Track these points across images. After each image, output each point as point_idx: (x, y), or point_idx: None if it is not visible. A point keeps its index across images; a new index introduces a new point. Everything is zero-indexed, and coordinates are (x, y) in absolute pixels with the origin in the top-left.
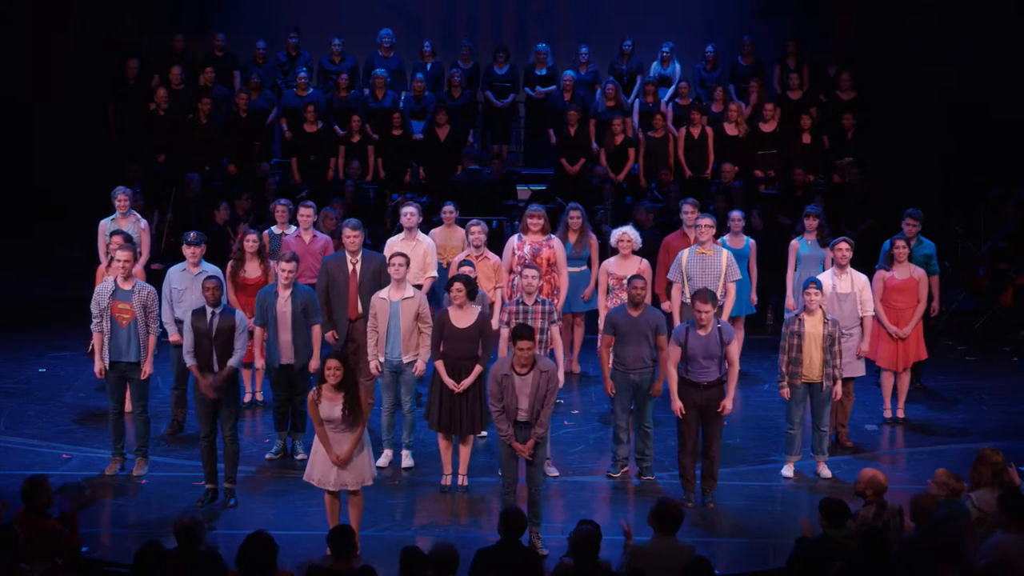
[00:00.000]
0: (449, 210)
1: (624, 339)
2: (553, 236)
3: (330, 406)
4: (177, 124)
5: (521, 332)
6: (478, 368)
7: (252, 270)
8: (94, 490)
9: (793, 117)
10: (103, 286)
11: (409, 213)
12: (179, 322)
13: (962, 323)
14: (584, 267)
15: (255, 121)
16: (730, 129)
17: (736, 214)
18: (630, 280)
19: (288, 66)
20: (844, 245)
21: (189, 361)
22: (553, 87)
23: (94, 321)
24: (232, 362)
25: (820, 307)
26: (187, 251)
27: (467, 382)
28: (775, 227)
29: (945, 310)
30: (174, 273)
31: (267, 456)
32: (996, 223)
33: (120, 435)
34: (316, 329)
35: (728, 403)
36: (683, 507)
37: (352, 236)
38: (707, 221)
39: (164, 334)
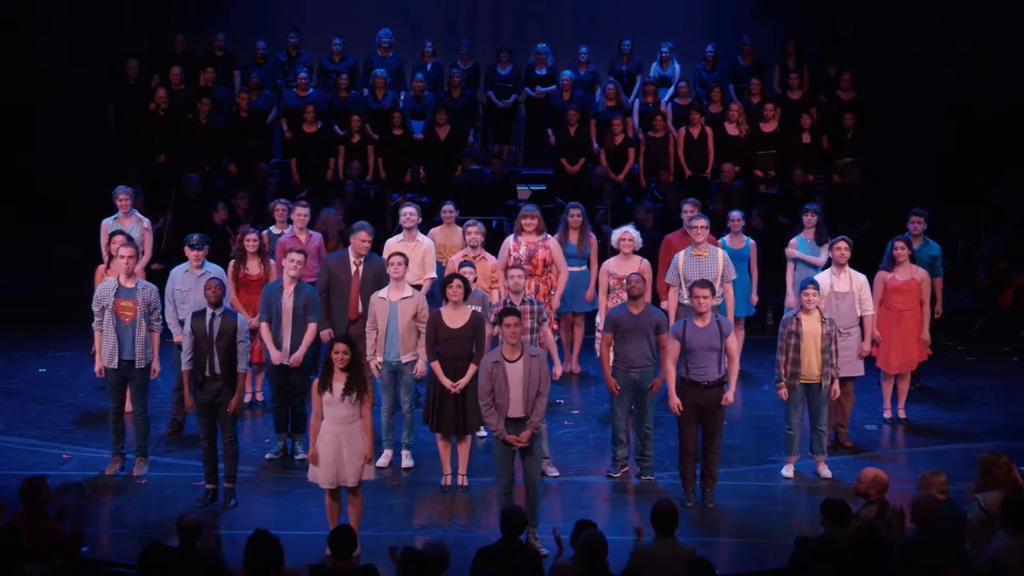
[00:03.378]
0: (449, 209)
1: (625, 337)
2: (549, 236)
3: (337, 388)
4: (177, 124)
5: (505, 311)
6: (473, 368)
7: (253, 268)
8: (92, 491)
9: (793, 117)
10: (106, 284)
11: (408, 213)
12: (183, 323)
13: (962, 323)
14: (584, 267)
15: (255, 121)
16: (731, 129)
17: (736, 214)
18: (628, 277)
19: (288, 66)
20: (843, 244)
21: (185, 366)
22: (553, 87)
23: (95, 320)
24: (240, 368)
25: (817, 307)
26: (190, 254)
27: (463, 381)
28: (775, 227)
29: (945, 310)
30: (177, 274)
31: (267, 456)
32: (996, 223)
33: (120, 435)
34: (312, 327)
35: (730, 396)
36: (683, 507)
37: (366, 240)
38: (702, 222)
39: (167, 334)
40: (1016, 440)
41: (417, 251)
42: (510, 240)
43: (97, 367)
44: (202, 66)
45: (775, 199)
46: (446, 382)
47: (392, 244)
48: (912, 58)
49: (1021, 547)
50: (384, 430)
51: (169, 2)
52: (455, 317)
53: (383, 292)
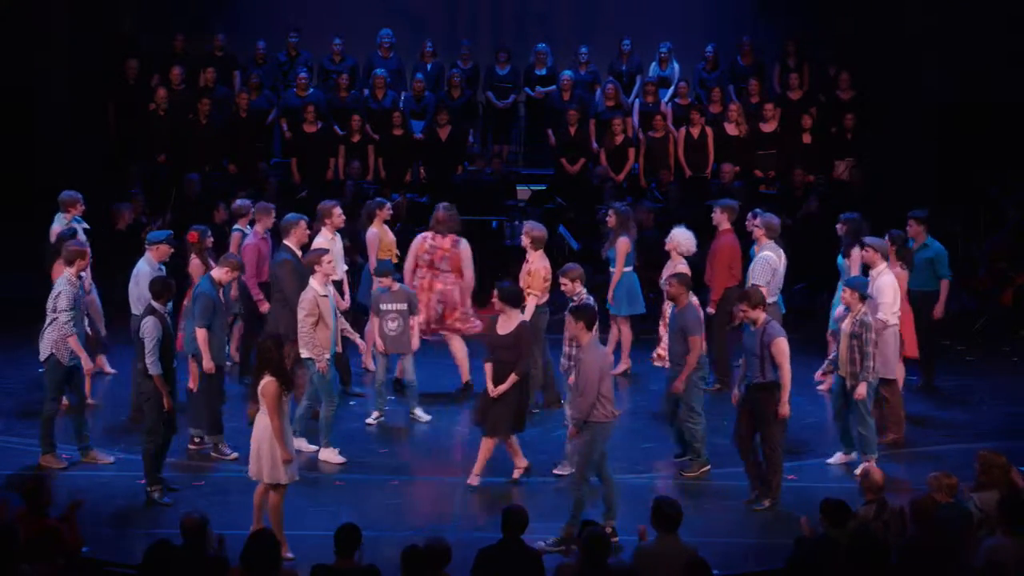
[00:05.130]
0: (387, 206)
1: (670, 335)
2: (462, 239)
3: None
4: (177, 124)
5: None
6: (513, 376)
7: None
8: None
9: (793, 117)
10: (80, 289)
11: (340, 214)
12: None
13: (962, 323)
14: (629, 268)
15: (255, 121)
16: (730, 129)
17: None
18: (667, 279)
19: (288, 66)
20: (852, 251)
21: (155, 369)
22: (553, 87)
23: (72, 322)
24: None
25: (853, 306)
26: (162, 249)
27: (502, 388)
28: None
29: (946, 311)
30: (147, 272)
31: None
32: (996, 223)
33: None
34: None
35: (783, 407)
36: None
37: (307, 230)
38: (754, 222)
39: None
40: (1016, 440)
41: (337, 246)
42: (427, 234)
43: (88, 366)
44: (202, 66)
45: (775, 199)
46: (488, 386)
47: (320, 241)
48: (912, 58)
49: (1017, 547)
50: (325, 429)
51: (169, 2)
52: (505, 324)
53: (321, 290)
